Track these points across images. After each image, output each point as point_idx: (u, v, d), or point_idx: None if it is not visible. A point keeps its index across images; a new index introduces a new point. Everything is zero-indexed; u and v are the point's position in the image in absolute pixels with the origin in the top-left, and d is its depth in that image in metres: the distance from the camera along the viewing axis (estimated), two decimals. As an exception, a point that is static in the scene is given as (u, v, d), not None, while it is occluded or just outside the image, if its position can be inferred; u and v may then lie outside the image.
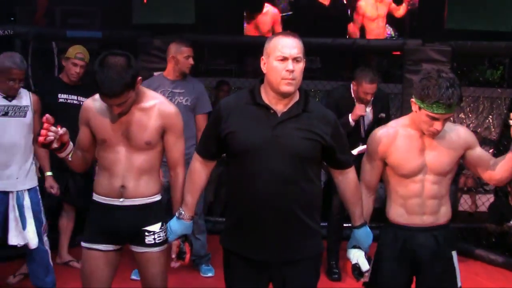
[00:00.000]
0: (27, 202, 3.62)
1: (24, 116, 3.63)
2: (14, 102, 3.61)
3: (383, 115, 4.43)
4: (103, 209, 2.66)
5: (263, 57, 2.39)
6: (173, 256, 2.65)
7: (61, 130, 2.44)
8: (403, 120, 2.67)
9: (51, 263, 3.78)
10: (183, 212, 2.57)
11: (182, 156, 2.72)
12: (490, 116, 6.76)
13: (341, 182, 2.55)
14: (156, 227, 2.66)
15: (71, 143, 2.54)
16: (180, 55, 4.17)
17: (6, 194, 3.59)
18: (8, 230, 3.55)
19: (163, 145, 2.68)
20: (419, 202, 2.61)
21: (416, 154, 2.58)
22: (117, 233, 2.65)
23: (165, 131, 2.65)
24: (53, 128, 2.41)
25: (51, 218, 4.40)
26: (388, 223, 2.70)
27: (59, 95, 4.27)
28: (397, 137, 2.61)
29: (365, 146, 4.20)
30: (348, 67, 7.84)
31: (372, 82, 4.27)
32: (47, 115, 2.41)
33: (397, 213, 2.66)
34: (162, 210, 2.74)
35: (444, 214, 2.66)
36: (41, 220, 3.68)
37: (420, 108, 2.48)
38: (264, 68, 2.38)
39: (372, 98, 4.34)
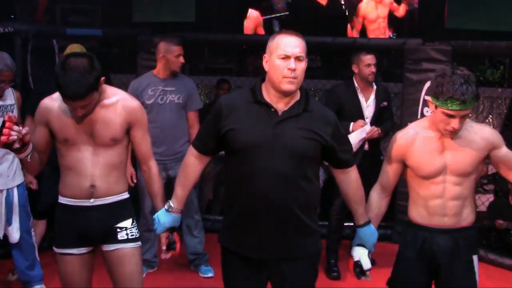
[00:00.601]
0: (16, 199, 3.67)
1: None
2: (1, 102, 3.61)
3: (385, 103, 4.44)
4: (72, 212, 2.61)
5: (265, 55, 2.38)
6: (163, 247, 2.61)
7: (24, 130, 2.36)
8: (423, 122, 2.67)
9: (38, 257, 3.83)
10: (172, 205, 2.55)
11: (151, 149, 2.72)
12: (490, 116, 6.74)
13: (343, 181, 2.54)
14: (127, 223, 2.64)
15: (31, 144, 2.46)
16: (170, 54, 4.15)
17: None
18: None
19: (130, 140, 2.66)
20: (440, 203, 2.59)
21: (435, 156, 2.57)
22: (89, 234, 2.61)
23: (131, 127, 2.63)
24: (16, 127, 2.32)
25: (50, 216, 4.40)
26: (409, 224, 2.70)
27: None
28: (417, 138, 2.60)
29: (363, 129, 4.26)
30: (348, 66, 7.83)
31: (369, 53, 4.36)
32: (10, 113, 2.37)
33: (418, 214, 2.66)
34: (132, 207, 2.72)
35: (466, 216, 2.63)
36: (29, 214, 3.75)
37: (436, 107, 2.48)
38: (266, 66, 2.38)
39: (375, 72, 4.37)
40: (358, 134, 4.28)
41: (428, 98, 2.53)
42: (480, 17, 5.91)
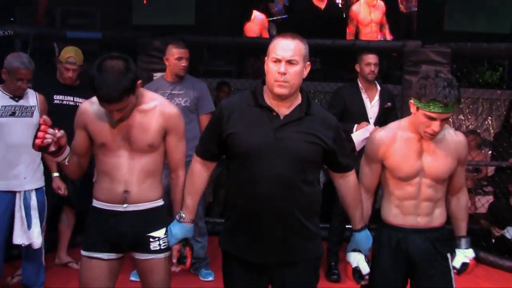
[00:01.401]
0: (34, 202, 3.64)
1: (31, 116, 3.64)
2: (20, 103, 3.62)
3: (389, 104, 4.45)
4: (104, 216, 2.56)
5: (266, 57, 2.38)
6: (174, 260, 2.58)
7: (59, 133, 2.36)
8: (403, 122, 2.67)
9: (44, 263, 3.81)
10: (183, 215, 2.53)
11: (183, 158, 2.66)
12: (490, 118, 6.75)
13: (342, 185, 2.55)
14: (161, 233, 2.58)
15: (68, 147, 2.46)
16: (171, 56, 4.15)
17: (14, 194, 3.60)
18: (14, 230, 3.56)
19: (165, 146, 2.62)
20: (414, 204, 2.62)
21: (413, 158, 2.58)
22: (120, 240, 2.56)
23: (167, 133, 2.58)
24: (50, 131, 2.32)
25: (50, 220, 4.40)
26: (383, 224, 2.71)
27: (55, 96, 4.26)
28: (396, 139, 2.61)
29: (366, 129, 4.25)
30: (348, 69, 7.85)
31: (371, 53, 4.38)
32: (45, 116, 2.33)
33: (392, 214, 2.67)
34: (166, 215, 2.66)
35: (438, 216, 2.67)
36: (43, 219, 3.72)
37: (417, 109, 2.48)
38: (265, 68, 2.37)
39: (376, 72, 4.38)
40: (361, 133, 4.29)
41: (410, 100, 2.53)
42: (479, 19, 5.92)
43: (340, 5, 8.15)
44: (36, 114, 3.66)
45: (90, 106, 2.56)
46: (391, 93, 4.70)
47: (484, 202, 5.71)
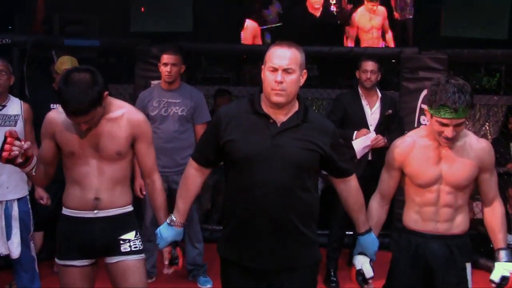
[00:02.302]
0: (15, 212, 3.64)
1: (14, 125, 3.62)
2: (3, 111, 3.62)
3: (390, 111, 4.45)
4: (75, 223, 2.61)
5: (263, 65, 2.40)
6: (166, 262, 2.60)
7: (25, 144, 2.37)
8: (421, 130, 2.71)
9: (37, 270, 3.82)
10: (174, 219, 2.54)
11: (155, 163, 2.71)
12: (487, 124, 6.76)
13: (343, 190, 2.56)
14: (131, 235, 2.63)
15: (35, 158, 2.48)
16: (160, 62, 4.16)
17: None
18: None
19: (134, 154, 2.66)
20: (433, 210, 2.63)
21: (432, 165, 2.60)
22: (92, 245, 2.60)
23: (135, 140, 2.63)
24: (17, 143, 2.34)
25: (47, 228, 4.40)
26: (403, 229, 2.73)
27: (51, 105, 4.25)
28: (415, 147, 2.63)
29: (367, 136, 4.26)
30: (346, 75, 7.87)
31: (370, 60, 4.37)
32: (10, 129, 2.37)
33: (412, 219, 2.68)
34: (135, 220, 2.71)
35: (459, 223, 2.66)
36: (29, 228, 3.73)
37: (431, 116, 2.51)
38: (262, 77, 2.39)
39: (373, 80, 4.37)
40: (361, 141, 4.30)
41: (424, 107, 2.55)
42: (475, 25, 5.94)
43: (335, 13, 8.16)
44: (20, 123, 3.65)
45: (57, 115, 2.58)
46: (393, 100, 4.69)
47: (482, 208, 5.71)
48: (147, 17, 6.84)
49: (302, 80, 2.38)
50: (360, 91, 4.44)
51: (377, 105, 4.43)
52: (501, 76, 7.34)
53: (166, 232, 2.55)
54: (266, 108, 2.39)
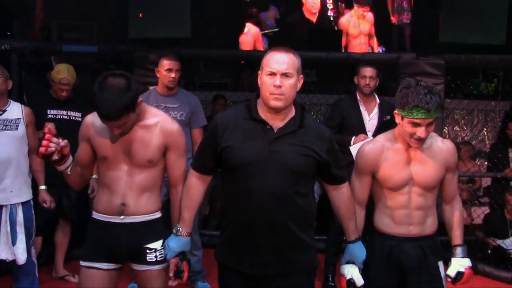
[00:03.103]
0: (20, 217, 3.64)
1: (16, 129, 3.63)
2: (4, 116, 3.62)
3: (388, 117, 4.43)
4: (103, 227, 2.61)
5: (259, 71, 2.41)
6: (171, 274, 2.59)
7: (62, 142, 2.42)
8: (389, 134, 2.72)
9: (37, 275, 3.80)
10: (180, 229, 2.54)
11: (183, 174, 2.67)
12: (485, 129, 6.78)
13: (336, 197, 2.56)
14: (157, 245, 2.61)
15: (71, 157, 2.51)
16: (161, 68, 4.15)
17: (0, 208, 3.59)
18: None
19: (165, 162, 2.64)
20: (406, 213, 2.66)
21: (402, 168, 2.63)
22: (118, 250, 2.60)
23: (167, 149, 2.61)
24: (54, 139, 2.40)
25: (47, 233, 4.40)
26: (376, 233, 2.74)
27: (48, 111, 4.26)
28: (384, 151, 2.66)
29: (364, 142, 4.26)
30: (344, 81, 7.89)
31: (368, 66, 4.36)
32: (50, 125, 2.39)
33: (384, 223, 2.70)
34: (163, 227, 2.68)
35: (430, 225, 2.71)
36: (31, 234, 3.72)
37: (402, 118, 2.55)
38: (259, 82, 2.40)
39: (372, 85, 4.36)
40: (359, 146, 4.29)
41: (395, 111, 2.59)
42: (473, 31, 5.96)
43: (331, 18, 8.20)
44: (22, 127, 3.66)
45: (93, 119, 2.60)
46: (392, 106, 4.69)
47: (479, 213, 5.72)
48: (145, 23, 6.86)
49: (299, 85, 2.39)
50: (358, 97, 4.44)
51: (375, 111, 4.43)
52: (499, 81, 7.37)
53: (173, 242, 2.55)
54: (263, 114, 2.39)
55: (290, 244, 2.39)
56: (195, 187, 2.54)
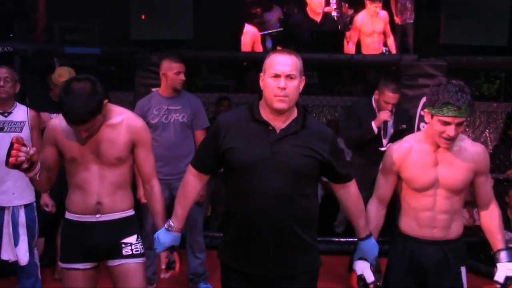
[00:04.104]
0: (22, 218, 3.64)
1: (20, 131, 3.63)
2: (9, 118, 3.63)
3: (404, 126, 4.41)
4: (78, 227, 2.65)
5: (261, 73, 2.41)
6: (163, 266, 2.61)
7: (31, 150, 2.42)
8: (418, 135, 2.72)
9: (40, 277, 3.81)
10: (172, 224, 2.55)
11: (154, 169, 2.74)
12: (487, 130, 6.78)
13: (343, 195, 2.56)
14: (132, 239, 2.67)
15: (39, 163, 2.52)
16: (170, 71, 4.16)
17: (2, 209, 3.60)
18: (1, 245, 3.58)
19: (134, 159, 2.69)
20: (430, 216, 2.62)
21: (428, 169, 2.60)
22: (94, 249, 2.64)
23: (135, 145, 2.67)
24: (23, 148, 2.39)
25: (48, 234, 4.40)
26: (398, 234, 2.72)
27: (51, 114, 4.26)
28: (412, 151, 2.63)
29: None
30: (345, 82, 7.89)
31: (395, 92, 4.31)
32: (17, 135, 2.40)
33: (408, 225, 2.68)
34: (137, 224, 2.75)
35: (455, 229, 2.66)
36: (34, 235, 3.72)
37: (432, 116, 2.52)
38: (261, 84, 2.40)
39: (394, 110, 4.34)
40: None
41: (424, 110, 2.57)
42: (475, 32, 5.96)
43: (335, 18, 8.19)
44: (26, 129, 3.66)
45: (59, 122, 2.62)
46: (408, 114, 4.67)
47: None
48: (147, 25, 6.88)
49: (301, 87, 2.40)
50: (374, 105, 4.42)
51: (391, 120, 4.40)
52: (501, 83, 7.36)
53: (164, 237, 2.56)
54: (265, 115, 2.40)
55: (292, 245, 2.39)
56: (192, 185, 2.55)
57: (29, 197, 3.71)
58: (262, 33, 7.90)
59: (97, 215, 2.62)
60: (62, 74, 4.23)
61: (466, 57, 5.21)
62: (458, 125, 2.49)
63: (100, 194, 2.61)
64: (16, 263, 3.66)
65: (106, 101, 2.54)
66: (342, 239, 5.51)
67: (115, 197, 2.64)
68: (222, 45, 7.45)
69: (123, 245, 2.66)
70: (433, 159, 2.61)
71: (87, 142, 2.58)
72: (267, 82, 2.35)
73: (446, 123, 2.48)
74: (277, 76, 2.32)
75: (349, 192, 2.55)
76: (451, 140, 2.52)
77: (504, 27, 6.05)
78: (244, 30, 7.70)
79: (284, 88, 2.31)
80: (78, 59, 4.55)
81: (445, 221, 2.62)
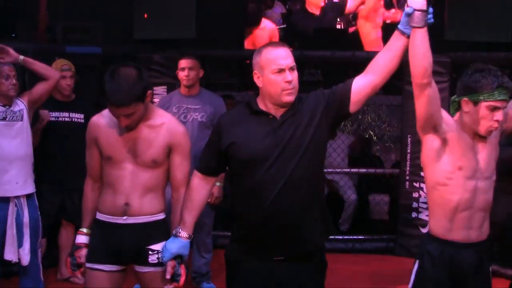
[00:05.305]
0: (26, 219, 3.65)
1: (21, 120, 3.68)
2: (10, 108, 3.66)
3: None
4: (106, 228, 2.61)
5: (255, 71, 2.39)
6: (168, 277, 2.54)
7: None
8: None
9: (42, 278, 3.82)
10: (180, 231, 2.52)
11: (186, 177, 2.65)
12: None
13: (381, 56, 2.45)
14: (160, 246, 2.58)
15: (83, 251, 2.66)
16: (177, 68, 4.18)
17: (7, 202, 3.60)
18: (5, 245, 3.59)
19: (169, 164, 2.64)
20: (468, 215, 2.49)
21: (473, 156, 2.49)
22: (120, 252, 2.59)
23: (172, 150, 2.61)
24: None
25: (50, 235, 4.40)
26: (433, 238, 2.58)
27: (50, 113, 4.27)
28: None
29: None
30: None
31: None
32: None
33: (443, 227, 2.53)
34: (167, 229, 2.66)
35: (486, 227, 2.56)
36: (38, 235, 3.73)
37: (476, 104, 2.40)
38: (259, 82, 2.39)
39: None
40: None
41: (463, 99, 2.44)
42: (479, 28, 5.90)
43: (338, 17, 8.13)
44: (26, 116, 3.71)
45: (100, 119, 2.64)
46: None
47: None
48: (150, 23, 6.86)
49: None
50: None
51: None
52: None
53: (171, 243, 2.51)
54: (264, 107, 2.40)
55: (308, 228, 2.40)
56: (198, 189, 2.52)
57: (31, 187, 3.74)
58: (278, 27, 7.86)
59: (124, 217, 2.58)
60: (58, 61, 4.32)
61: (470, 53, 5.18)
62: (504, 108, 2.40)
63: (129, 194, 2.57)
64: (18, 263, 3.66)
65: (150, 92, 2.54)
66: (346, 237, 5.51)
67: (145, 200, 2.59)
68: (225, 43, 7.43)
69: (150, 252, 2.60)
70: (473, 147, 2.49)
71: (125, 140, 2.56)
72: (270, 78, 2.34)
73: (495, 108, 2.37)
74: (281, 70, 2.31)
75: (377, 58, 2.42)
76: (499, 125, 2.42)
77: (509, 22, 5.98)
78: (262, 25, 7.67)
79: (291, 81, 2.31)
80: (82, 59, 4.54)
81: (480, 220, 2.51)
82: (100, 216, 2.65)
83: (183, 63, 4.19)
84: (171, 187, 2.68)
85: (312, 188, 2.39)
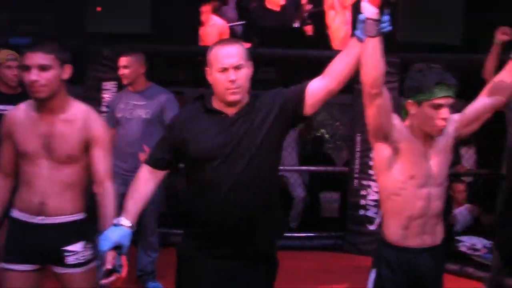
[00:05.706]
0: None
1: None
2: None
3: None
4: (21, 227, 2.53)
5: (207, 67, 2.38)
6: (109, 267, 2.38)
7: None
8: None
9: None
10: (123, 219, 2.42)
11: (109, 170, 2.59)
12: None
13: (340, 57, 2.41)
14: (77, 247, 2.54)
15: None
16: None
17: None
18: None
19: (88, 159, 2.56)
20: (422, 222, 2.49)
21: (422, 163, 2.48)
22: (36, 252, 2.52)
23: (90, 144, 2.54)
24: None
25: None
26: (388, 245, 2.54)
27: None
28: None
29: None
30: (306, 79, 7.85)
31: None
32: None
33: (397, 234, 2.51)
34: (86, 228, 2.60)
35: (440, 232, 2.57)
36: None
37: (419, 104, 2.38)
38: (210, 79, 2.38)
39: None
40: None
41: (408, 101, 2.44)
42: (430, 31, 6.03)
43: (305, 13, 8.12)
44: None
45: (16, 112, 2.55)
46: None
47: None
48: (103, 17, 6.74)
49: (250, 72, 2.39)
50: None
51: None
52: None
53: (112, 232, 2.38)
54: (217, 105, 2.39)
55: (263, 226, 2.40)
56: (145, 181, 2.48)
57: None
58: (230, 25, 7.82)
59: (40, 217, 2.50)
60: (3, 51, 4.15)
61: (419, 54, 5.29)
62: (449, 106, 2.37)
63: (45, 193, 2.49)
64: None
65: (70, 66, 2.48)
66: (295, 234, 5.56)
67: (63, 198, 2.51)
68: (181, 39, 7.36)
69: (66, 253, 2.53)
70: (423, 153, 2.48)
71: (40, 135, 2.48)
72: (216, 77, 2.33)
73: (439, 106, 2.35)
74: (225, 69, 2.30)
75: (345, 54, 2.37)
76: (446, 123, 2.39)
77: (458, 26, 6.13)
78: (212, 22, 7.61)
79: (235, 80, 2.29)
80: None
81: (433, 226, 2.52)
82: (15, 214, 2.57)
83: (120, 61, 4.14)
84: (95, 181, 2.58)
85: (264, 187, 2.39)
